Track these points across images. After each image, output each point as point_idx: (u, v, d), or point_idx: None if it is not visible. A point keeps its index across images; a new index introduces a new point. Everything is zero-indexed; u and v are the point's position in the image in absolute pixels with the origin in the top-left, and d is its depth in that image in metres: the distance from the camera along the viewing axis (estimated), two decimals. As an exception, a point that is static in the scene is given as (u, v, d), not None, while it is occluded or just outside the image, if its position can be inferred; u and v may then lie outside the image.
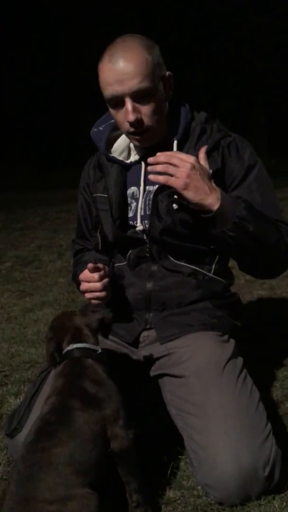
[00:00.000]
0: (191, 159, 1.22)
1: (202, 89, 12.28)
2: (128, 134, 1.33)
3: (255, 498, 1.11)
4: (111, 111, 1.34)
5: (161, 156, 1.21)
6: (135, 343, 1.40)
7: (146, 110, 1.28)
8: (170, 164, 1.20)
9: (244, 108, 13.45)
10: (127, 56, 1.25)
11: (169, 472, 1.26)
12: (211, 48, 12.86)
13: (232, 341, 1.37)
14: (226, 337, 1.36)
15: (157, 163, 1.22)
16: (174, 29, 12.21)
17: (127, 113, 1.27)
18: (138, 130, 1.29)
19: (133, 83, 1.24)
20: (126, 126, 1.30)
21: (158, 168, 1.21)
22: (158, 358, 1.37)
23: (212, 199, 1.21)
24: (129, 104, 1.26)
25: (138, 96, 1.26)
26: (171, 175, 1.21)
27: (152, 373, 1.39)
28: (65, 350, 1.16)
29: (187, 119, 1.38)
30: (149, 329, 1.39)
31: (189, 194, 1.21)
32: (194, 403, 1.21)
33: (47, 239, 4.61)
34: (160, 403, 1.38)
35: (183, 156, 1.22)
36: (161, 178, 1.22)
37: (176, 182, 1.20)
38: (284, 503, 1.11)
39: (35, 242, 4.53)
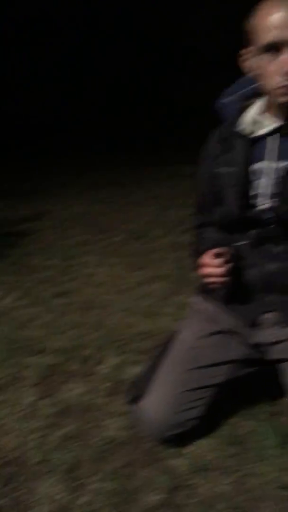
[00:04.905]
0: None
1: None
2: (278, 89, 1.24)
3: None
4: (263, 61, 1.24)
5: None
6: (254, 325, 1.38)
7: None
8: None
9: None
10: None
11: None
12: None
13: None
14: None
15: None
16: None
17: (285, 63, 1.20)
18: None
19: None
20: (278, 79, 1.22)
21: None
22: (277, 342, 1.34)
23: None
24: None
25: None
26: None
27: (269, 357, 1.36)
28: None
29: None
30: (269, 311, 1.36)
31: None
32: None
33: (156, 215, 4.68)
34: (274, 388, 1.35)
35: None
36: None
37: None
38: None
39: (145, 217, 4.62)
